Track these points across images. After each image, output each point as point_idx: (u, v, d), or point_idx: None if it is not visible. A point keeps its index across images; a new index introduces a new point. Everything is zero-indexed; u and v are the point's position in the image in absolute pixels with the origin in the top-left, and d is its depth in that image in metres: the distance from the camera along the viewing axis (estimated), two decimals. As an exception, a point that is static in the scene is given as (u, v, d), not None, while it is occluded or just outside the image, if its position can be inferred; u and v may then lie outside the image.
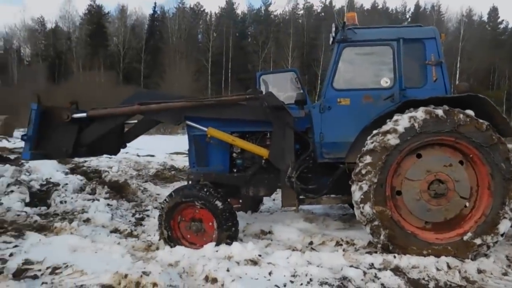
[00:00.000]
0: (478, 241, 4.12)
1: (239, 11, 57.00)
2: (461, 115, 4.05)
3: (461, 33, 37.14)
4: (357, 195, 4.15)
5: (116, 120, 5.00)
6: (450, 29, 40.44)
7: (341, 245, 4.62)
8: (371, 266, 3.91)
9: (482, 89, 41.45)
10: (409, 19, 47.08)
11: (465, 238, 4.14)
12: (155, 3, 60.02)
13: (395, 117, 4.17)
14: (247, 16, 56.53)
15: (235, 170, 4.99)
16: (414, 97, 4.36)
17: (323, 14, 47.94)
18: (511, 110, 39.20)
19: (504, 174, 4.08)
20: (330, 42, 5.03)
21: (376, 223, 4.11)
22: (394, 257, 4.04)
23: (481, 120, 4.06)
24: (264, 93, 4.85)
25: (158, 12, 56.44)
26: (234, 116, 4.80)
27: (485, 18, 51.80)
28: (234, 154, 4.99)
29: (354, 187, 4.19)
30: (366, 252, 4.31)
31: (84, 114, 4.90)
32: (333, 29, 4.82)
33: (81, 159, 9.89)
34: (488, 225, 4.12)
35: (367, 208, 4.10)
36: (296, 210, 4.91)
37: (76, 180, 7.77)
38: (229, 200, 4.67)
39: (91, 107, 5.09)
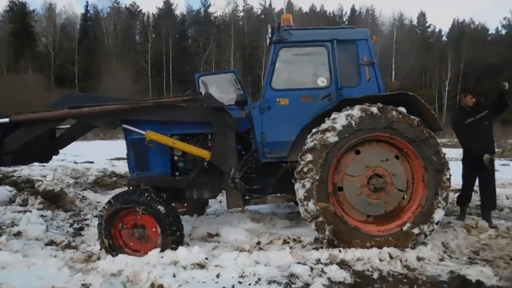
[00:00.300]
0: (416, 230, 4.40)
1: (177, 12, 56.22)
2: (394, 112, 4.31)
3: (394, 36, 39.74)
4: (300, 192, 4.28)
5: (45, 125, 4.70)
6: (384, 32, 43.13)
7: (288, 243, 4.73)
8: (318, 261, 4.02)
9: (416, 88, 44.47)
10: (346, 22, 49.41)
11: (404, 228, 4.42)
12: (87, 1, 57.03)
13: (332, 116, 4.35)
14: (186, 17, 55.91)
15: (177, 174, 4.91)
16: (350, 96, 4.58)
17: (263, 16, 48.79)
18: (442, 107, 42.75)
19: (436, 166, 4.40)
20: (267, 43, 5.15)
21: (320, 219, 4.26)
22: (340, 251, 4.21)
23: (412, 117, 4.35)
24: (203, 94, 4.84)
25: (91, 11, 54.01)
26: (173, 118, 4.73)
27: (415, 22, 55.92)
28: (176, 157, 4.91)
29: (297, 185, 4.32)
30: (313, 248, 4.44)
31: (6, 120, 4.58)
32: (269, 30, 4.93)
33: (9, 168, 9.19)
34: (424, 215, 4.43)
35: (311, 205, 4.25)
36: (242, 211, 4.97)
37: (4, 191, 7.24)
38: (173, 204, 4.60)
39: (15, 112, 4.76)
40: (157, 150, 4.72)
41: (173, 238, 4.30)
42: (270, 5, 48.10)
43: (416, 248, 4.38)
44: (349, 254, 4.13)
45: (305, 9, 52.42)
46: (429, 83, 46.06)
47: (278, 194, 5.01)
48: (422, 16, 56.52)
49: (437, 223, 4.47)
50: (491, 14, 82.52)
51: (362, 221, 4.54)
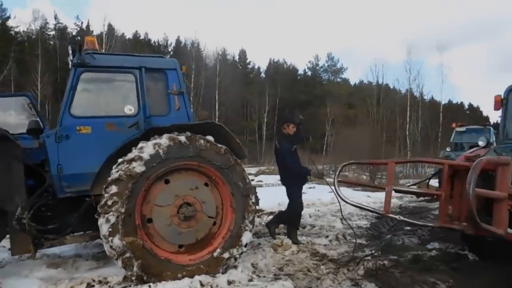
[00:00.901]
0: (226, 255, 4.66)
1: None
2: (202, 141, 4.55)
3: (218, 69, 42.67)
4: (104, 228, 4.05)
5: None
6: (209, 65, 45.87)
7: (93, 286, 4.38)
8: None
9: (238, 119, 48.69)
10: (171, 53, 50.75)
11: (215, 254, 4.61)
12: None
13: (140, 145, 4.32)
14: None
15: None
16: (159, 124, 4.67)
17: (79, 38, 45.72)
18: (262, 137, 47.54)
19: (242, 191, 4.78)
20: (70, 66, 4.88)
21: (127, 255, 4.09)
22: (149, 286, 4.13)
23: (219, 145, 4.66)
24: None
25: None
26: None
27: (237, 58, 61.53)
28: None
29: (101, 220, 4.08)
30: (121, 288, 4.24)
31: None
32: (70, 52, 4.70)
33: None
34: (234, 239, 4.72)
35: (117, 241, 4.05)
36: (32, 257, 4.39)
37: None
38: None
39: None
40: None
41: None
42: (88, 27, 45.53)
43: (227, 272, 4.63)
44: (160, 288, 4.10)
45: (128, 35, 51.71)
46: (250, 115, 50.85)
47: (81, 233, 4.64)
48: (243, 53, 62.74)
49: (245, 246, 4.83)
50: (300, 56, 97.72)
51: (174, 252, 4.55)
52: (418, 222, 5.01)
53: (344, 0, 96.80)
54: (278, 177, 6.89)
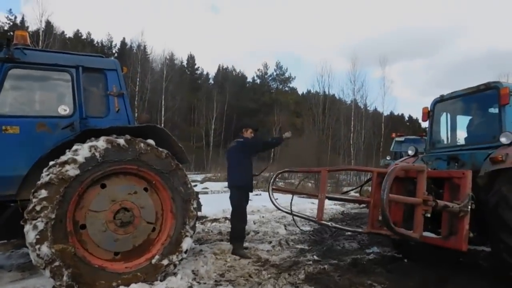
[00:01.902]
0: (165, 261, 4.55)
1: None
2: (142, 144, 4.45)
3: (164, 73, 41.91)
4: (31, 235, 3.79)
5: None
6: (155, 69, 44.91)
7: (16, 299, 4.11)
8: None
9: (185, 125, 48.14)
10: (116, 54, 49.21)
11: (153, 261, 4.49)
12: None
13: (74, 147, 4.15)
14: None
15: None
16: (96, 126, 4.52)
17: (11, 33, 42.96)
18: (209, 144, 47.33)
19: (183, 196, 4.72)
20: None
21: (56, 263, 3.86)
22: (80, 297, 3.95)
23: (160, 149, 4.58)
24: None
25: None
26: None
27: (185, 63, 60.95)
28: None
29: (27, 227, 3.82)
30: (48, 300, 4.01)
31: None
32: None
33: None
34: (173, 245, 4.63)
35: (45, 249, 3.81)
36: None
37: None
38: None
39: None
40: None
41: None
42: (22, 22, 42.94)
43: (166, 280, 4.54)
44: (92, 298, 3.93)
45: (69, 34, 49.44)
46: (197, 121, 50.45)
47: (3, 241, 4.33)
48: (191, 58, 62.31)
49: (185, 252, 4.75)
50: (248, 64, 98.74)
51: (109, 259, 4.38)
52: (349, 228, 5.27)
53: (292, 10, 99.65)
54: (224, 184, 6.90)
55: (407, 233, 4.15)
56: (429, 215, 4.35)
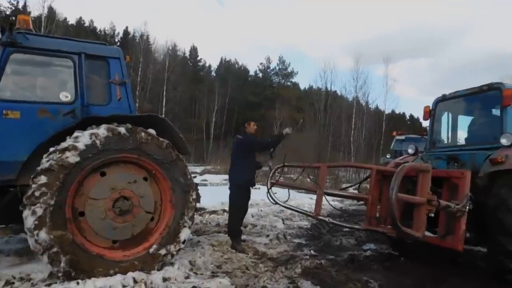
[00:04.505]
0: (163, 251, 4.58)
1: None
2: (143, 134, 4.45)
3: (167, 64, 41.75)
4: (30, 221, 3.81)
5: None
6: (158, 59, 44.72)
7: (13, 283, 4.09)
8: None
9: (186, 116, 48.04)
10: (118, 43, 48.97)
11: (151, 251, 4.53)
12: None
13: (75, 134, 4.15)
14: None
15: None
16: (97, 114, 4.52)
17: (13, 18, 42.69)
18: (210, 136, 47.31)
19: (183, 187, 4.74)
20: None
21: (54, 249, 3.88)
22: (77, 283, 3.95)
23: (161, 139, 4.58)
24: None
25: None
26: None
27: (187, 54, 60.70)
28: None
29: (26, 213, 3.84)
30: (46, 285, 4.00)
31: None
32: None
33: None
34: (171, 235, 4.66)
35: (43, 235, 3.83)
36: None
37: None
38: None
39: None
40: None
41: None
42: (24, 7, 42.68)
43: (163, 269, 4.56)
44: (89, 285, 3.95)
45: (71, 21, 49.21)
46: (198, 113, 50.37)
47: (3, 226, 4.35)
48: (194, 50, 62.02)
49: (183, 242, 4.78)
50: (251, 57, 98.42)
51: (107, 247, 4.40)
52: (346, 225, 5.28)
53: (298, 5, 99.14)
54: (224, 176, 6.85)
55: (411, 233, 4.16)
56: (432, 215, 4.36)
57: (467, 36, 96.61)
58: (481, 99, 5.80)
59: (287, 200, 5.87)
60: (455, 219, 4.44)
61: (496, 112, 5.59)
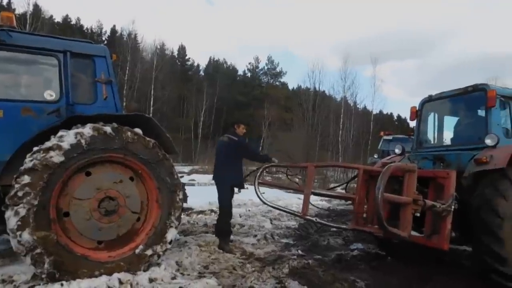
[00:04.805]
0: (149, 252, 4.54)
1: None
2: (129, 133, 4.40)
3: (155, 63, 41.44)
4: (12, 221, 3.73)
5: None
6: (145, 58, 44.35)
7: (-5, 286, 4.04)
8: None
9: (174, 116, 47.79)
10: (105, 41, 48.44)
11: (137, 251, 4.48)
12: None
13: (60, 133, 4.09)
14: None
15: None
16: (83, 113, 4.46)
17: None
18: (198, 135, 47.12)
19: (169, 187, 4.70)
20: None
21: (38, 251, 3.82)
22: (62, 285, 3.90)
23: (148, 138, 4.53)
24: None
25: None
26: None
27: (175, 53, 60.34)
28: None
29: (8, 213, 3.76)
30: (29, 287, 3.94)
31: None
32: None
33: None
34: (158, 235, 4.62)
35: (26, 235, 3.76)
36: None
37: None
38: None
39: None
40: None
41: None
42: (9, 3, 42.00)
43: (149, 270, 4.52)
44: (73, 286, 3.91)
45: (58, 18, 48.51)
46: (187, 112, 50.13)
47: None
48: (182, 49, 61.68)
49: (170, 243, 4.74)
50: (240, 57, 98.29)
51: (92, 248, 4.35)
52: (333, 224, 5.30)
53: (287, 5, 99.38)
54: (211, 176, 6.76)
55: (397, 232, 4.19)
56: (418, 215, 4.40)
57: (454, 38, 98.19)
58: (467, 100, 5.87)
59: (275, 201, 5.86)
60: (440, 218, 4.48)
61: (481, 113, 5.66)
